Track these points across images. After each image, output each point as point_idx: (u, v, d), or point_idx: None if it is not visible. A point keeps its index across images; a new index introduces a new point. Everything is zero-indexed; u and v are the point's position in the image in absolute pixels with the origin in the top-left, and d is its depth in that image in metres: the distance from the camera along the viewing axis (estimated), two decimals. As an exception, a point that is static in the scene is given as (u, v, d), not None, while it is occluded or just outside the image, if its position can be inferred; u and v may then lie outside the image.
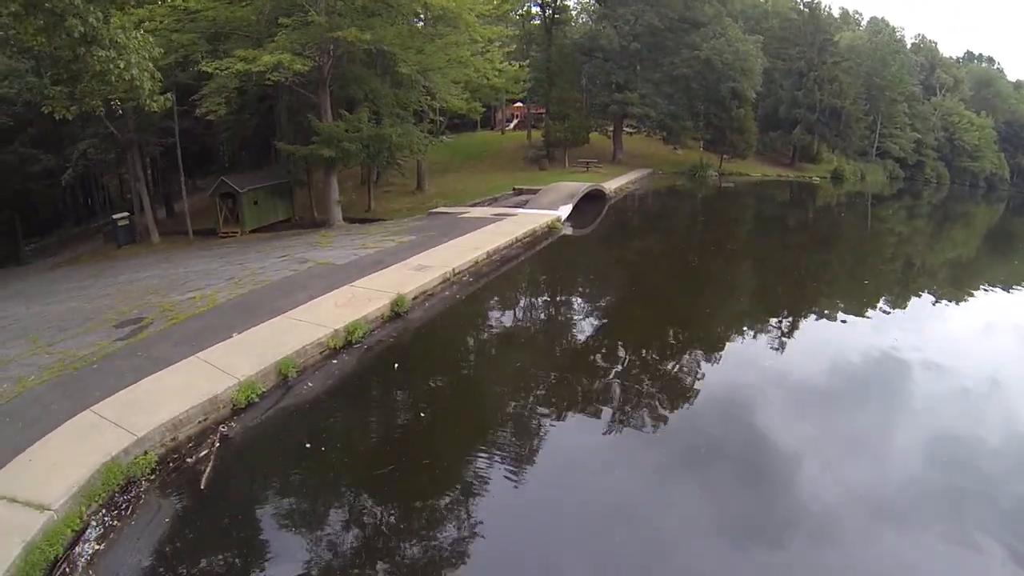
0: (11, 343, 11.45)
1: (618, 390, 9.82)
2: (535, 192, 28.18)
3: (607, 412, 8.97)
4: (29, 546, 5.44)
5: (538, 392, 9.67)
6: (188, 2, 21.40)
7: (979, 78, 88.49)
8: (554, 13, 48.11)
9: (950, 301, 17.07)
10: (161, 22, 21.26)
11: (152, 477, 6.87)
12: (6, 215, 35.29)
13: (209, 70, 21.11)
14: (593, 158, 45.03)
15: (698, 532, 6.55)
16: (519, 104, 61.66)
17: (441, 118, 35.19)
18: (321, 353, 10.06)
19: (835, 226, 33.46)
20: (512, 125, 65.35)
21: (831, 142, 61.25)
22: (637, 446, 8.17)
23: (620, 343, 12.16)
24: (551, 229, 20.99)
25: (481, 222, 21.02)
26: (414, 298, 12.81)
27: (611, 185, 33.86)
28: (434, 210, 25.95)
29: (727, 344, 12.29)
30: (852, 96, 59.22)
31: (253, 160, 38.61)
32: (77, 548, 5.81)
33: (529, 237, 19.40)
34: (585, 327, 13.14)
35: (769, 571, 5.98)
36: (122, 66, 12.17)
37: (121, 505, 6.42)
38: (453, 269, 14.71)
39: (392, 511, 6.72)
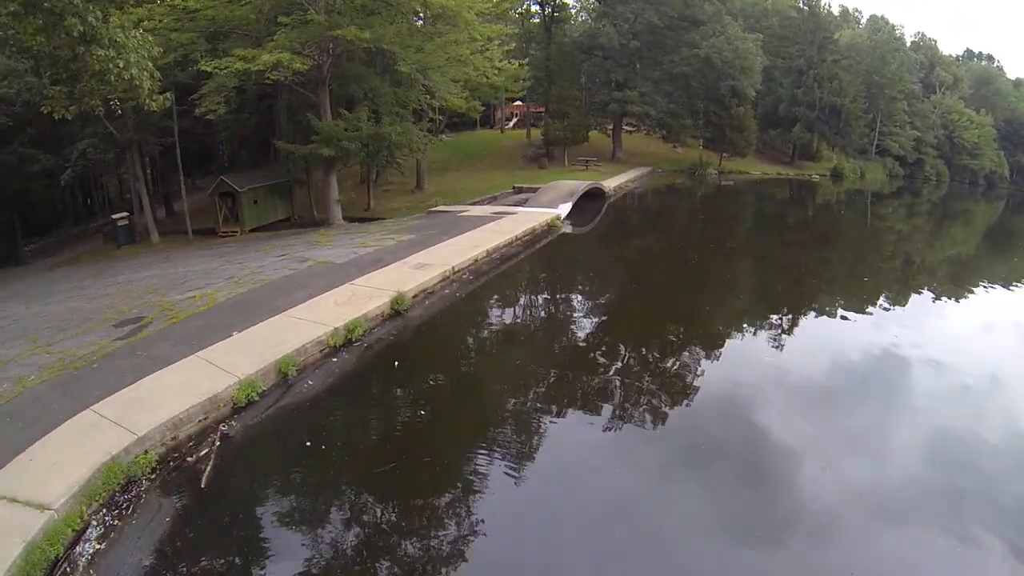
0: (11, 343, 11.44)
1: (618, 388, 9.82)
2: (535, 190, 28.18)
3: (607, 410, 8.97)
4: (30, 546, 5.43)
5: (538, 390, 9.67)
6: (187, 1, 21.34)
7: (979, 76, 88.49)
8: (553, 11, 48.06)
9: (950, 298, 17.08)
10: (160, 21, 21.20)
11: (153, 476, 6.87)
12: (5, 215, 35.26)
13: (208, 69, 21.08)
14: (593, 156, 45.06)
15: (698, 530, 6.55)
16: (518, 103, 61.62)
17: (440, 117, 35.19)
18: (321, 351, 10.06)
19: (835, 224, 33.47)
20: (512, 124, 65.33)
21: (831, 140, 61.26)
22: (637, 444, 8.17)
23: (620, 341, 12.16)
24: (551, 227, 20.98)
25: (481, 220, 21.02)
26: (414, 296, 12.81)
27: (611, 183, 33.85)
28: (434, 209, 25.95)
29: (727, 342, 12.29)
30: (852, 94, 59.21)
31: (252, 159, 38.55)
32: (78, 547, 5.80)
33: (529, 235, 19.40)
34: (585, 325, 13.14)
35: (769, 569, 5.97)
36: (121, 65, 12.16)
37: (122, 504, 6.42)
38: (453, 267, 14.71)
39: (392, 509, 6.72)
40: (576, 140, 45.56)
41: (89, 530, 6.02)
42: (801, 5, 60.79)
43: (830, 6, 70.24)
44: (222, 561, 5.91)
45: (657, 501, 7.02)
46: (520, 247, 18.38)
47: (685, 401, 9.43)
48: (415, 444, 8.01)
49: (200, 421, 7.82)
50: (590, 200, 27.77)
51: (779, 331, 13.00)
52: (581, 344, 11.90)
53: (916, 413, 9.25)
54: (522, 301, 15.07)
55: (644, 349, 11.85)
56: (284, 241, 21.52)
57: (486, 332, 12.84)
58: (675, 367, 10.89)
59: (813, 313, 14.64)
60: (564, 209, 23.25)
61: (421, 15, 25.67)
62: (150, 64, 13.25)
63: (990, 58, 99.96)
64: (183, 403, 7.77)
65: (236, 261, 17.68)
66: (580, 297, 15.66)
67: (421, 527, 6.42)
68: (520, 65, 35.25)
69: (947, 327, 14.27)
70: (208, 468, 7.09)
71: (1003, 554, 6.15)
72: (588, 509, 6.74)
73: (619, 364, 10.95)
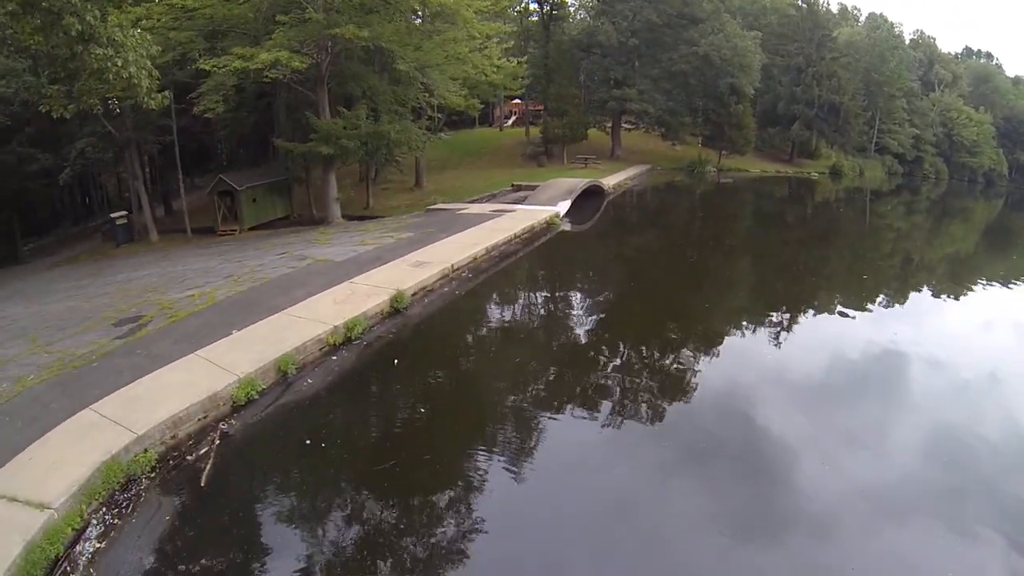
0: (10, 343, 11.43)
1: (617, 385, 9.83)
2: (533, 188, 28.16)
3: (607, 407, 8.98)
4: (30, 545, 5.44)
5: (537, 387, 9.68)
6: (185, 0, 21.32)
7: (978, 74, 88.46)
8: (552, 9, 48.01)
9: (949, 296, 17.10)
10: (158, 20, 21.17)
11: (152, 475, 6.87)
12: (4, 215, 35.22)
13: (207, 68, 21.04)
14: (591, 154, 45.02)
15: (698, 527, 6.55)
16: (517, 101, 61.52)
17: (439, 115, 35.13)
18: (320, 350, 10.06)
19: (834, 222, 33.47)
20: (510, 122, 65.18)
21: (830, 138, 61.22)
22: (637, 441, 8.18)
23: (619, 339, 12.16)
24: (550, 225, 20.98)
25: (479, 218, 21.01)
26: (413, 294, 12.81)
27: (609, 181, 33.86)
28: (432, 207, 25.94)
29: (726, 339, 12.30)
30: (850, 92, 59.13)
31: (251, 158, 38.50)
32: (78, 547, 5.81)
33: (527, 233, 19.40)
34: (584, 323, 13.15)
35: (770, 566, 5.98)
36: (120, 64, 12.13)
37: (121, 503, 6.43)
38: (452, 265, 14.71)
39: (392, 507, 6.73)
40: (575, 138, 45.53)
41: (89, 529, 6.02)
42: (800, 3, 60.58)
43: (828, 4, 70.05)
44: (222, 560, 5.92)
45: (657, 497, 7.03)
46: (519, 245, 18.38)
47: (685, 398, 9.44)
48: (415, 442, 8.02)
49: (200, 420, 7.83)
50: (589, 198, 27.77)
51: (778, 329, 13.01)
52: (580, 342, 11.91)
53: (915, 410, 9.26)
54: (521, 299, 15.07)
55: (643, 347, 11.86)
56: (283, 239, 21.50)
57: (485, 330, 12.85)
58: (674, 365, 10.89)
59: (812, 311, 14.64)
60: (563, 207, 23.25)
61: (420, 13, 25.63)
62: (148, 63, 13.22)
63: (989, 56, 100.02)
64: (183, 402, 7.78)
65: (235, 259, 17.67)
66: (579, 295, 15.66)
67: (421, 525, 6.43)
68: (519, 63, 35.24)
69: (946, 324, 14.29)
70: (208, 466, 7.10)
71: (1003, 549, 6.17)
72: (588, 506, 6.74)
73: (618, 362, 10.96)
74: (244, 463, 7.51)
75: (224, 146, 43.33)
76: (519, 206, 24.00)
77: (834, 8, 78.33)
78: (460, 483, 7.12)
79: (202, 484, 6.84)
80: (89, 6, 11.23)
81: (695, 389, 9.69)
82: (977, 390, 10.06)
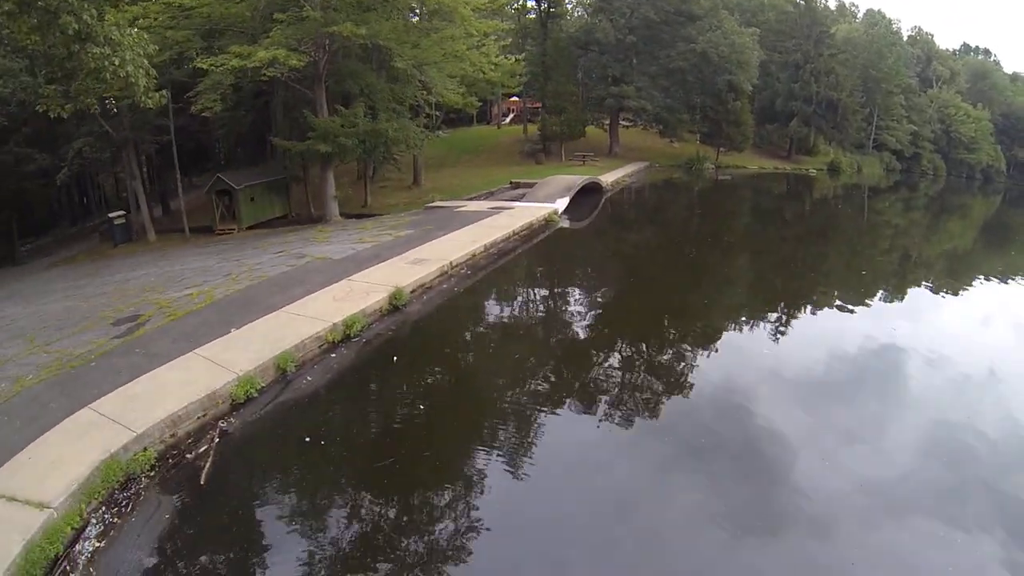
0: (8, 343, 11.41)
1: (617, 382, 9.83)
2: (532, 186, 28.13)
3: (606, 403, 8.98)
4: (29, 544, 5.42)
5: (537, 384, 9.68)
6: (182, -1, 21.32)
7: (975, 70, 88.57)
8: (549, 6, 47.90)
9: (947, 292, 17.12)
10: (155, 19, 21.14)
11: (152, 474, 6.86)
12: (2, 215, 35.10)
13: (204, 66, 20.99)
14: (589, 152, 45.03)
15: (699, 524, 6.55)
16: (515, 98, 61.35)
17: (437, 113, 35.09)
18: (319, 347, 10.05)
19: (832, 218, 33.50)
20: (508, 119, 65.11)
21: (828, 134, 61.28)
22: (638, 437, 8.17)
23: (617, 335, 12.17)
24: (548, 222, 20.98)
25: (478, 216, 20.99)
26: (412, 291, 12.80)
27: (608, 178, 33.84)
28: (431, 204, 25.91)
29: (725, 336, 12.30)
30: (848, 88, 59.17)
31: (249, 157, 38.43)
32: (77, 546, 5.80)
33: (526, 230, 19.39)
34: (583, 319, 13.14)
35: (772, 561, 5.99)
36: (117, 63, 12.10)
37: (121, 502, 6.42)
38: (451, 262, 14.70)
39: (392, 504, 6.72)
40: (573, 135, 45.50)
41: (88, 528, 6.01)
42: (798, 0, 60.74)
43: (826, 0, 70.29)
44: (222, 558, 5.91)
45: (658, 493, 7.04)
46: (518, 242, 18.37)
47: (684, 394, 9.45)
48: (414, 439, 8.02)
49: (199, 418, 7.82)
50: (587, 195, 27.74)
51: (776, 325, 13.01)
52: (579, 338, 11.91)
53: (915, 406, 9.27)
54: (520, 296, 15.07)
55: (642, 343, 11.85)
56: (281, 238, 21.48)
57: (484, 327, 12.84)
58: (673, 361, 10.91)
59: (811, 307, 14.67)
60: (561, 204, 23.24)
61: (417, 11, 25.62)
62: (145, 62, 13.19)
63: (987, 52, 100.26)
64: (182, 400, 7.76)
65: (233, 258, 17.65)
66: (578, 292, 15.65)
67: (421, 522, 6.43)
68: (516, 60, 35.16)
69: (945, 320, 14.30)
70: (207, 465, 7.09)
71: (1003, 545, 6.18)
72: (588, 502, 6.75)
73: (617, 358, 10.96)
74: (244, 461, 7.51)
75: (222, 145, 43.23)
76: (517, 203, 23.98)
77: (832, 5, 78.40)
78: (460, 480, 7.12)
79: (202, 482, 6.84)
80: (86, 5, 11.20)
81: (694, 385, 9.70)
82: (976, 386, 10.07)
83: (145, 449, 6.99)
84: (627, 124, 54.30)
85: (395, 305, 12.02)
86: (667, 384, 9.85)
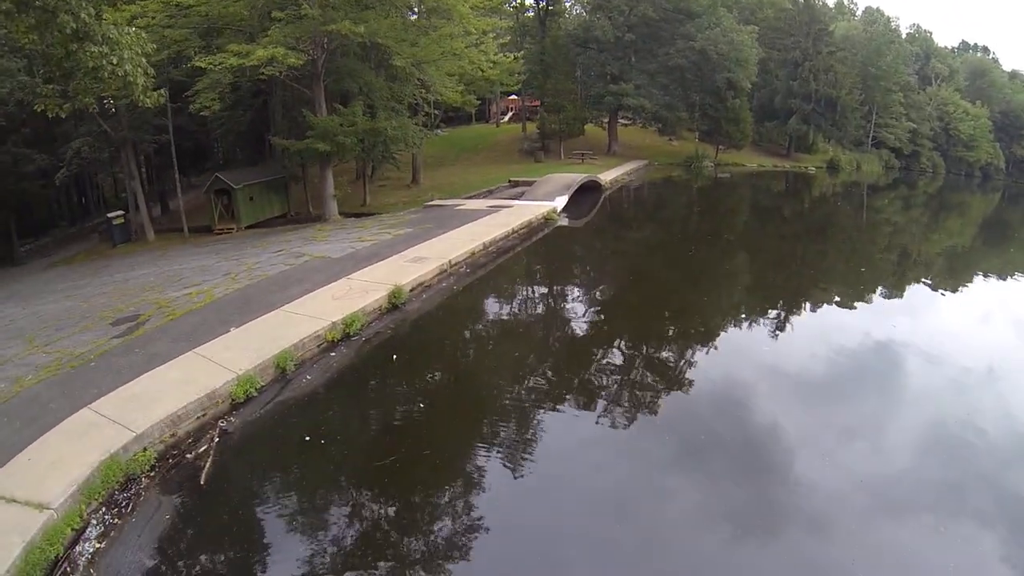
0: (8, 343, 11.40)
1: (616, 380, 9.83)
2: (530, 184, 28.12)
3: (605, 401, 8.98)
4: (29, 546, 5.41)
5: (536, 382, 9.68)
6: (180, -3, 21.29)
7: (974, 68, 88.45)
8: (548, 4, 47.86)
9: (946, 289, 17.12)
10: (153, 18, 21.10)
11: (152, 474, 6.86)
12: (1, 216, 35.05)
13: (202, 65, 20.95)
14: (588, 150, 44.98)
15: (698, 521, 6.56)
16: (514, 96, 61.33)
17: (436, 111, 35.08)
18: (319, 346, 10.05)
19: (831, 216, 33.47)
20: (507, 118, 65.05)
21: (827, 132, 61.23)
22: (637, 435, 8.17)
23: (617, 333, 12.15)
24: (547, 220, 20.97)
25: (477, 214, 20.99)
26: (411, 290, 12.80)
27: (607, 176, 33.82)
28: (430, 203, 25.91)
29: (724, 333, 12.31)
30: (847, 86, 59.09)
31: (248, 156, 38.39)
32: (77, 547, 5.79)
33: (525, 228, 19.38)
34: (582, 317, 13.13)
35: (770, 558, 5.99)
36: (115, 62, 12.05)
37: (121, 503, 6.41)
38: (450, 261, 14.69)
39: (393, 502, 6.72)
40: (572, 133, 45.46)
41: (89, 529, 6.00)
42: (796, -3, 60.69)
43: (825, -3, 70.11)
44: (222, 558, 5.91)
45: (657, 490, 7.04)
46: (517, 240, 18.37)
47: (684, 392, 9.44)
48: (414, 437, 8.02)
49: (199, 417, 7.81)
50: (586, 193, 27.73)
51: (776, 322, 13.01)
52: (578, 336, 11.91)
53: (914, 403, 9.28)
54: (519, 294, 15.05)
55: (641, 341, 11.85)
56: (280, 237, 21.46)
57: (483, 325, 12.84)
58: (673, 359, 10.90)
59: (810, 304, 14.66)
60: (560, 202, 23.22)
61: (415, 9, 25.56)
62: (144, 61, 13.13)
63: (985, 50, 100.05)
64: (181, 400, 7.76)
65: (232, 257, 17.64)
66: (577, 290, 15.65)
67: (421, 521, 6.43)
68: (515, 58, 35.20)
69: (944, 317, 14.31)
70: (207, 465, 7.09)
71: (1003, 540, 6.18)
72: (589, 500, 6.75)
73: (617, 356, 10.96)
74: (243, 461, 7.50)
75: (220, 144, 43.20)
76: (516, 202, 23.98)
77: (830, 2, 78.22)
78: (460, 479, 7.12)
79: (202, 482, 6.83)
80: (84, 4, 11.15)
81: (694, 383, 9.70)
82: (976, 383, 10.07)
83: (145, 449, 6.98)
84: (626, 122, 54.28)
85: (394, 304, 12.02)
86: (666, 382, 9.85)
